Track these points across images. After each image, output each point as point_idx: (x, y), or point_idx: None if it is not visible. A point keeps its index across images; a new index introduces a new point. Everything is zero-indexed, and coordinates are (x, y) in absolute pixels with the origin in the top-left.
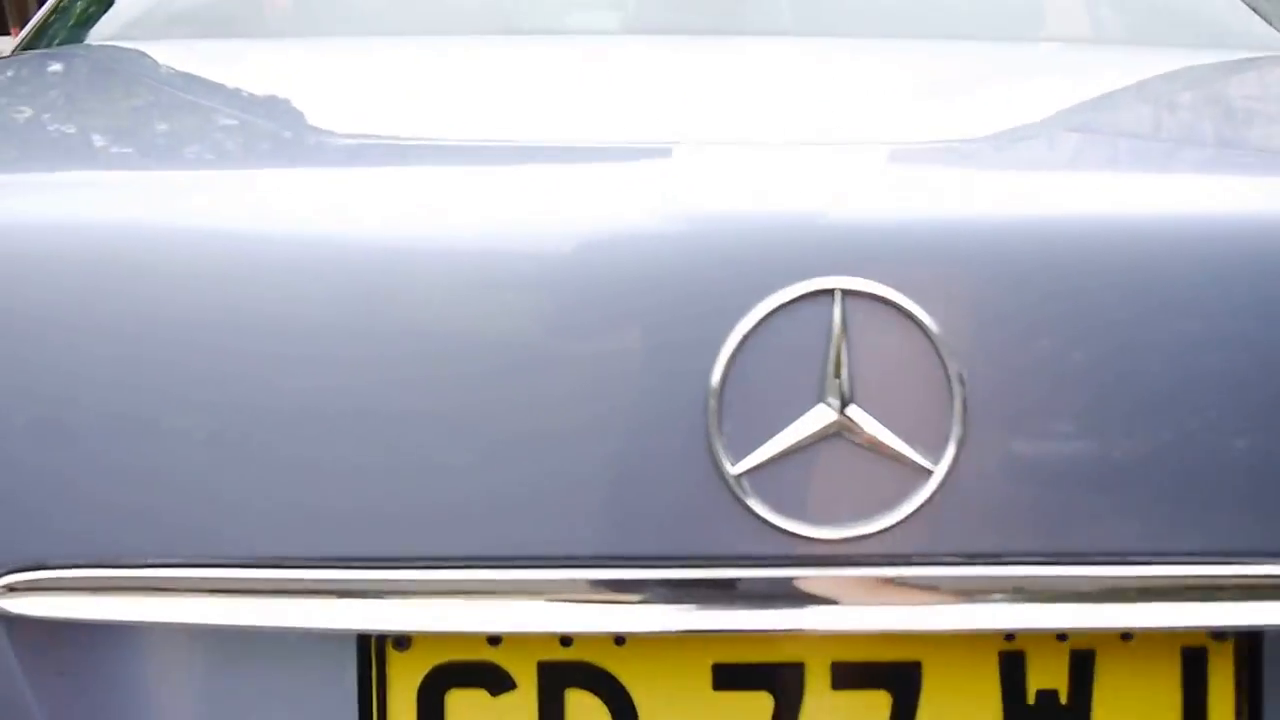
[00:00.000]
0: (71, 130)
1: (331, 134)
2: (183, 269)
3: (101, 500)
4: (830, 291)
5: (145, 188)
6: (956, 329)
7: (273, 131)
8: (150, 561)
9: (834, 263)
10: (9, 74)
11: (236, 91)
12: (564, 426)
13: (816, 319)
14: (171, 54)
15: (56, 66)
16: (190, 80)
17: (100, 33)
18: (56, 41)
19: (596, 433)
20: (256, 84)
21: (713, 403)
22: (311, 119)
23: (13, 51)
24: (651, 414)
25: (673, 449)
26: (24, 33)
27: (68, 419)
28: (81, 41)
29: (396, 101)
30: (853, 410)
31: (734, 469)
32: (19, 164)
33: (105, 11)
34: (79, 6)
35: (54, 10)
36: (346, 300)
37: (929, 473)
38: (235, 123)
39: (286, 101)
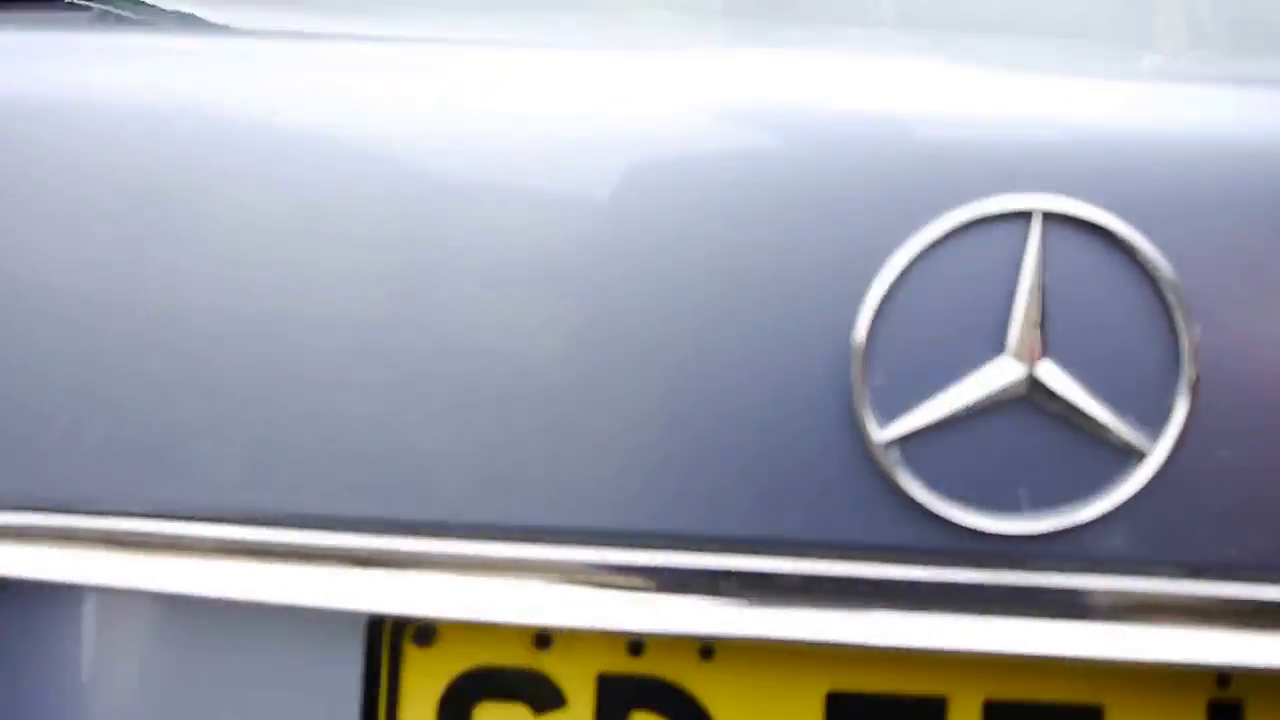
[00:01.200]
0: None
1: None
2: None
3: (48, 429)
4: (1025, 214)
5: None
6: (1193, 270)
7: None
8: (105, 509)
9: (1032, 176)
10: None
11: None
12: (659, 370)
13: (1003, 249)
14: None
15: None
16: None
17: None
18: None
19: (701, 379)
20: None
21: (858, 351)
22: None
23: None
24: (778, 361)
25: (803, 406)
26: None
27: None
28: None
29: None
30: (1045, 368)
31: (881, 435)
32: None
33: None
34: None
35: None
36: (392, 202)
37: (1142, 455)
38: None
39: None
